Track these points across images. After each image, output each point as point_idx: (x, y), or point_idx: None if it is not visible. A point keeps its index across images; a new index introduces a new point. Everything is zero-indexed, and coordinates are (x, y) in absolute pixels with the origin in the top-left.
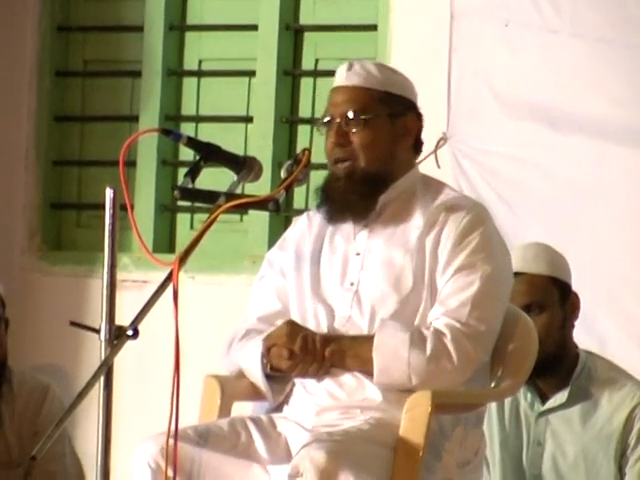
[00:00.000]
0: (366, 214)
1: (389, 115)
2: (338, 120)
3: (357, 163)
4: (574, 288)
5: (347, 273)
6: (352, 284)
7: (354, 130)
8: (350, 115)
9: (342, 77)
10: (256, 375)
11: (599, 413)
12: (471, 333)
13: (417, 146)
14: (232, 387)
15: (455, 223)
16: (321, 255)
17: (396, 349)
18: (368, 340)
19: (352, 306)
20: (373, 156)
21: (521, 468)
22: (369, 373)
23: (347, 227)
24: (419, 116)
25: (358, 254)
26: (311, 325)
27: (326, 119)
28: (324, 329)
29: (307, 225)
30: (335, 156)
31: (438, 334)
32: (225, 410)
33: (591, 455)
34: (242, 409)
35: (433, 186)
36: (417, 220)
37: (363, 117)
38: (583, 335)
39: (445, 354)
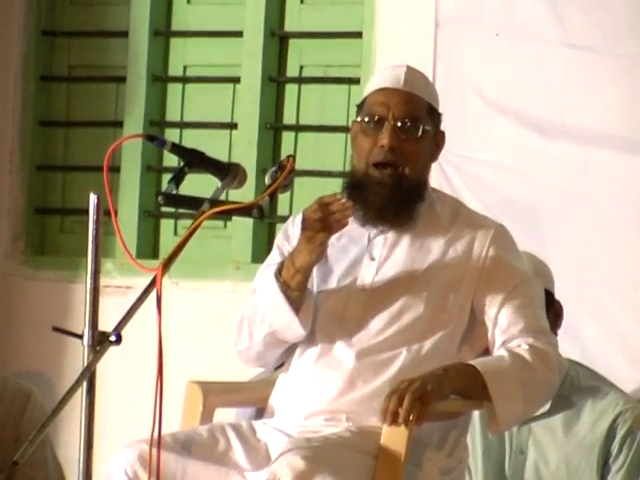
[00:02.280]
0: (405, 223)
1: (433, 129)
2: (393, 123)
3: (403, 171)
4: (558, 296)
5: (359, 276)
6: (364, 289)
7: (408, 138)
8: (408, 122)
9: (399, 79)
10: (276, 300)
11: (582, 422)
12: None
13: None
14: (214, 393)
15: (487, 241)
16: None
17: (510, 393)
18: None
19: (364, 310)
20: (418, 168)
21: (503, 476)
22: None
23: (358, 230)
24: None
25: (373, 259)
26: (319, 321)
27: (374, 118)
28: (332, 327)
29: None
30: (380, 158)
31: (535, 350)
32: (207, 416)
33: (573, 464)
34: (224, 416)
35: (447, 200)
36: (439, 233)
37: (423, 127)
38: (566, 343)
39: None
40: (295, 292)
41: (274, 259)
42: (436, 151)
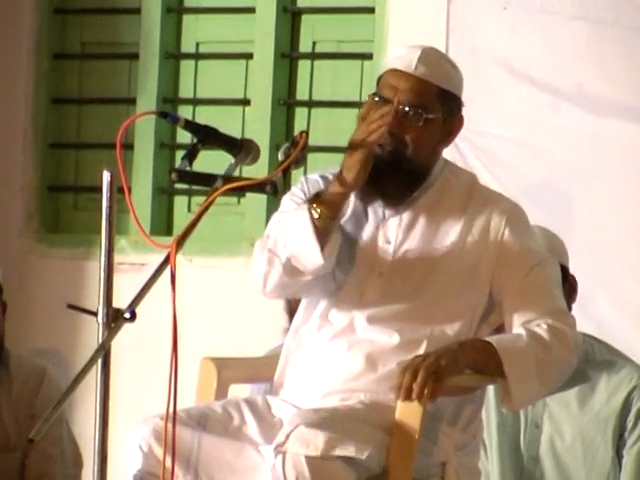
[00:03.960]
0: (400, 202)
1: (444, 115)
2: (396, 107)
3: (403, 153)
4: (572, 271)
5: (375, 259)
6: (381, 273)
7: (411, 124)
8: (413, 109)
9: (411, 63)
10: (303, 227)
11: (597, 396)
12: (570, 322)
13: None
14: (229, 370)
15: (503, 221)
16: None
17: (525, 372)
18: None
19: (381, 294)
20: (420, 152)
21: (518, 450)
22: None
23: (375, 209)
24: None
25: (388, 242)
26: (336, 303)
27: (383, 99)
28: (349, 310)
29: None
30: (382, 141)
31: (554, 330)
32: (222, 393)
33: (589, 437)
34: (239, 392)
35: (462, 175)
36: (453, 214)
37: (426, 115)
38: (581, 318)
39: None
40: (326, 220)
41: (289, 207)
42: (448, 136)
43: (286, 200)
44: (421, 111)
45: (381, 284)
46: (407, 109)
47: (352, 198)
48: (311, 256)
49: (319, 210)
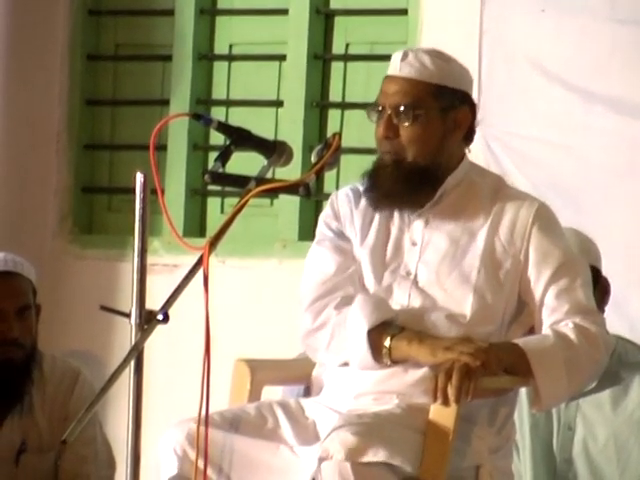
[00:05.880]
0: (415, 205)
1: (441, 109)
2: (389, 112)
3: (404, 156)
4: (605, 273)
5: (402, 262)
6: (409, 274)
7: (404, 124)
8: (401, 109)
9: (395, 67)
10: (366, 357)
11: (630, 397)
12: (598, 320)
13: (468, 136)
14: (262, 372)
15: (529, 220)
16: (367, 239)
17: (553, 371)
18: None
19: (410, 296)
20: (421, 151)
21: (551, 452)
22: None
23: (399, 214)
24: (472, 107)
25: (414, 244)
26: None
27: (377, 108)
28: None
29: (354, 204)
30: (382, 148)
31: (581, 329)
32: (255, 395)
33: (622, 439)
34: (272, 394)
35: (488, 176)
36: (480, 214)
37: (413, 112)
38: (614, 319)
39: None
40: (389, 358)
41: (326, 237)
42: (452, 130)
43: (321, 226)
44: (409, 109)
45: (408, 285)
46: (397, 111)
47: (377, 217)
48: (367, 365)
49: (388, 350)
